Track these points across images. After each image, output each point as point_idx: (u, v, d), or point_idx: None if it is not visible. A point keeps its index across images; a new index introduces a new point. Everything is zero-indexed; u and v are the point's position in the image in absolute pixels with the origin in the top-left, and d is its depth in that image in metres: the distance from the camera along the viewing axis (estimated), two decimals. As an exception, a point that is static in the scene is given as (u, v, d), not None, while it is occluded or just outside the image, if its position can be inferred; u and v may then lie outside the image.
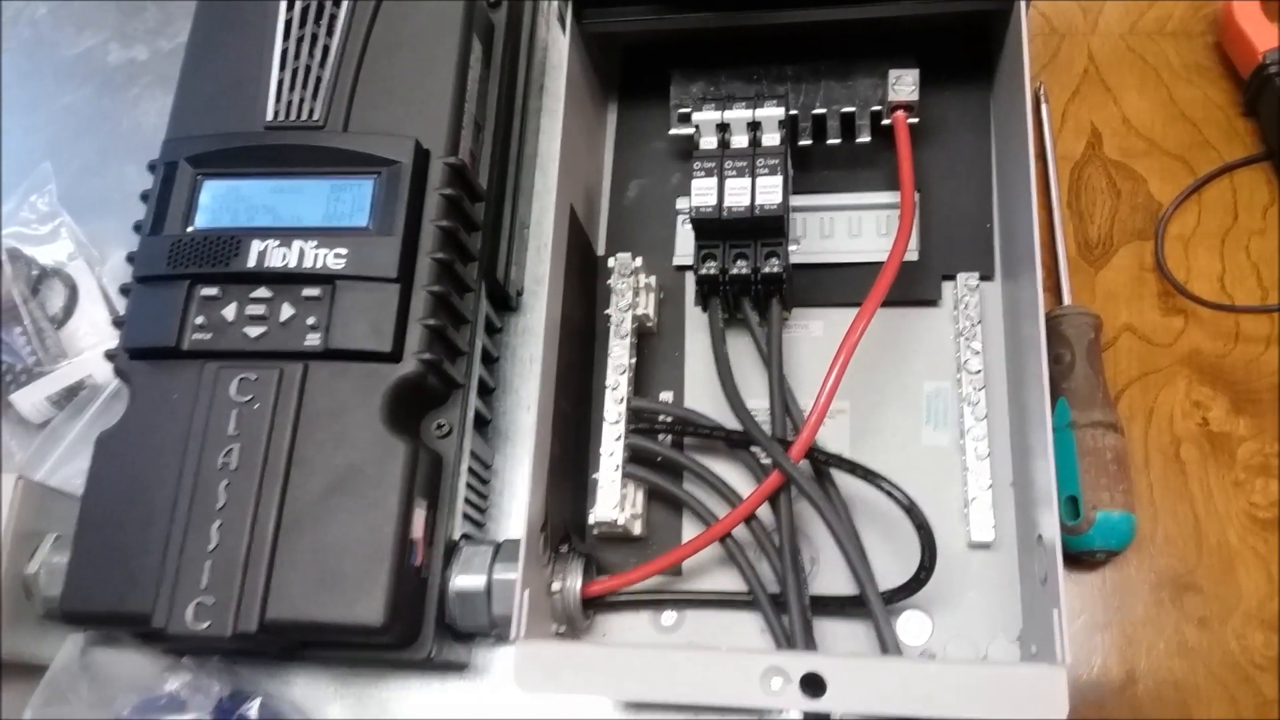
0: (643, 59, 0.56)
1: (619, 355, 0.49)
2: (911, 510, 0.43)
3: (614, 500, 0.46)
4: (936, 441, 0.49)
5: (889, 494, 0.43)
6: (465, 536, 0.48)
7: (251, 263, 0.45)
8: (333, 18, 0.49)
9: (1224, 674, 0.46)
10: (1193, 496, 0.49)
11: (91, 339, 0.56)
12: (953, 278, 0.50)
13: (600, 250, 0.54)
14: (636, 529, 0.48)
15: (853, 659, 0.41)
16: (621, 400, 0.48)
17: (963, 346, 0.48)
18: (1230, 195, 0.54)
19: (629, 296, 0.50)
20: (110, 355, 0.47)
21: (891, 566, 0.45)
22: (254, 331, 0.45)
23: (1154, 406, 0.50)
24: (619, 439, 0.47)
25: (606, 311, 0.50)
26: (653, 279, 0.52)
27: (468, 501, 0.48)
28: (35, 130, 0.63)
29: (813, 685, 0.38)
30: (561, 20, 0.50)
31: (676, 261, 0.53)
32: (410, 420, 0.46)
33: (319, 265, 0.45)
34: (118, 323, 0.47)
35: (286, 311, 0.45)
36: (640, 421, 0.49)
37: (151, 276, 0.46)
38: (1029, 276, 0.44)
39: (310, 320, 0.45)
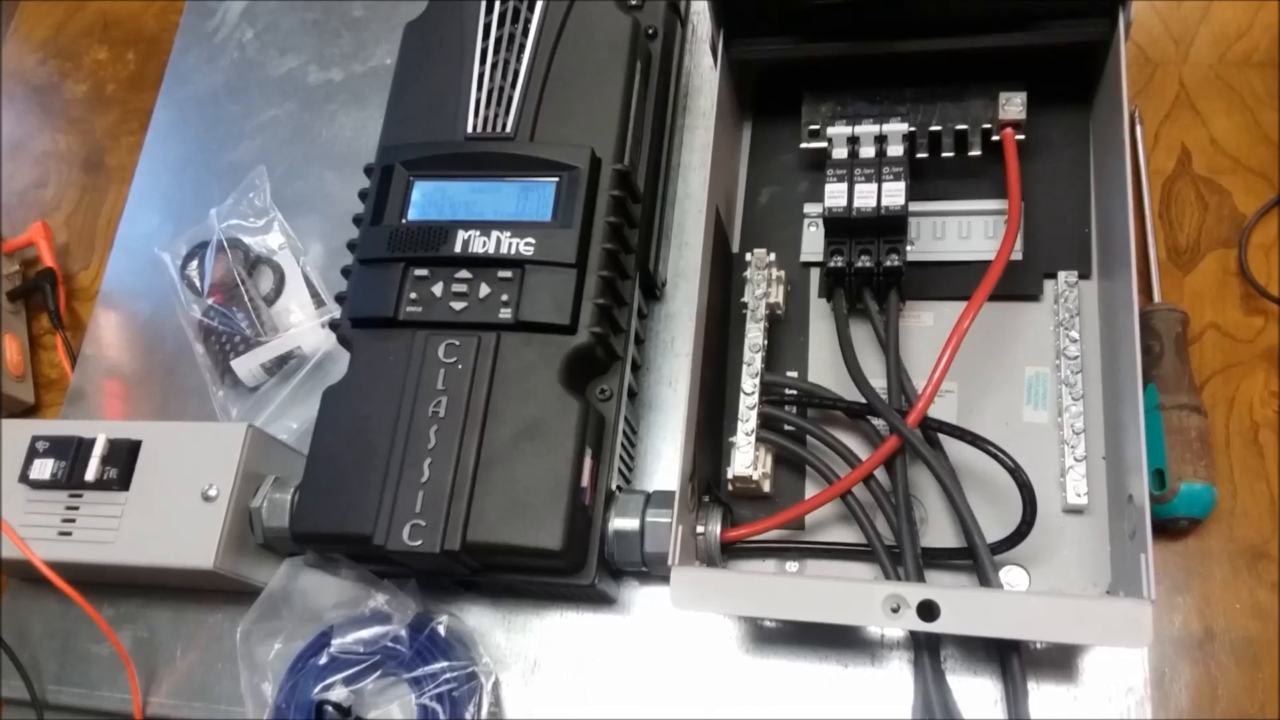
0: (774, 82, 0.63)
1: (754, 336, 0.56)
2: (1015, 471, 0.49)
3: (748, 460, 0.53)
4: (1035, 419, 0.54)
5: (994, 455, 0.49)
6: (619, 487, 0.55)
7: (457, 249, 0.54)
8: (521, 46, 0.58)
9: (1295, 632, 0.51)
10: (1269, 476, 0.54)
11: (298, 316, 0.65)
12: (1054, 275, 0.55)
13: (735, 248, 0.61)
14: (766, 487, 0.54)
15: (962, 589, 0.47)
16: (755, 375, 0.54)
17: (1061, 335, 0.54)
18: (1309, 209, 0.58)
19: (763, 286, 0.57)
20: (334, 324, 0.56)
21: (993, 528, 0.51)
22: (458, 306, 0.53)
23: (1235, 396, 0.55)
24: (752, 408, 0.54)
25: (743, 299, 0.57)
26: (782, 273, 0.58)
27: (621, 458, 0.56)
28: (248, 137, 0.73)
29: (927, 611, 0.44)
30: (713, 49, 0.58)
31: (803, 258, 0.60)
32: (580, 384, 0.54)
33: (511, 252, 0.53)
34: (339, 298, 0.56)
35: (484, 290, 0.53)
36: (770, 394, 0.55)
37: (373, 259, 0.55)
38: (1124, 274, 0.49)
39: (503, 297, 0.53)
